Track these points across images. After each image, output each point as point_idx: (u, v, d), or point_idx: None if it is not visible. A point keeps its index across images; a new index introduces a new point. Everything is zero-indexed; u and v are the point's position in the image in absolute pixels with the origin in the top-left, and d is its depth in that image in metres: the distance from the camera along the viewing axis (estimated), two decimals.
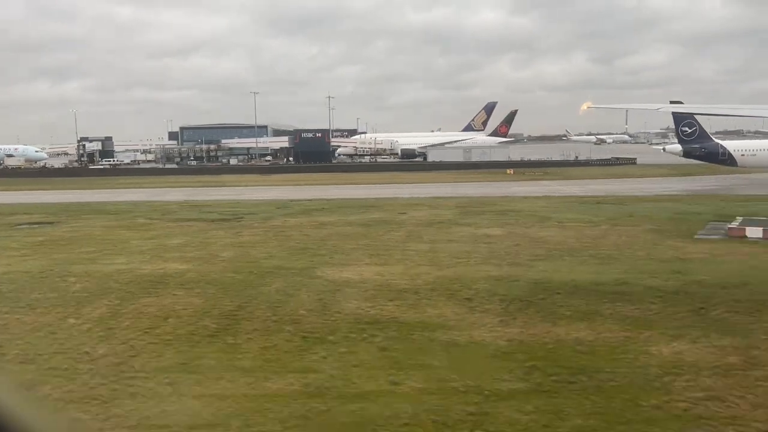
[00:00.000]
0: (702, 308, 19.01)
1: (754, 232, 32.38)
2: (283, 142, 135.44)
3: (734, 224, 34.07)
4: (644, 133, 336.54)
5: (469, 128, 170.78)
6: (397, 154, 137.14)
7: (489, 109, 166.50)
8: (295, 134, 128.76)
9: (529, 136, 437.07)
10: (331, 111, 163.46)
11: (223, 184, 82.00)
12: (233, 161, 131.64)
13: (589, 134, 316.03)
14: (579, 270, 25.01)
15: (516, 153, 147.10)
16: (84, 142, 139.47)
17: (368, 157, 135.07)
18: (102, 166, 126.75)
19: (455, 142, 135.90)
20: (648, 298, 20.37)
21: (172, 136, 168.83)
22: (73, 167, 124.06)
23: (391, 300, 20.52)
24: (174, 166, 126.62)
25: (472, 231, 35.88)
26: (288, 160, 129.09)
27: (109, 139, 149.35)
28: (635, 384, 13.58)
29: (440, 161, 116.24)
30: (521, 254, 28.61)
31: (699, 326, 17.27)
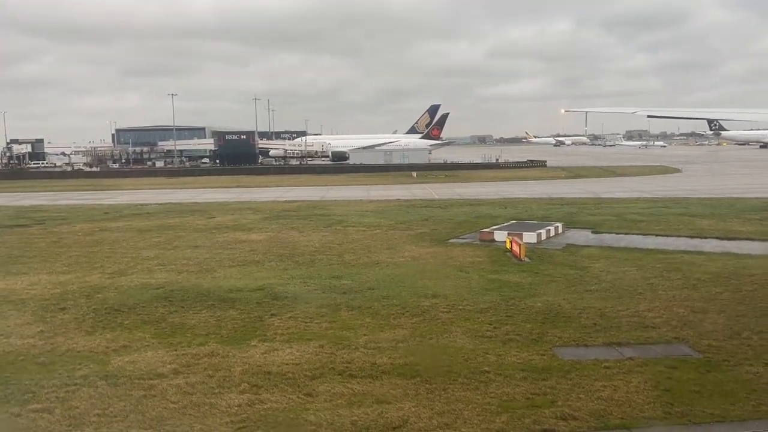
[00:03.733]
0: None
1: (501, 236, 32.10)
2: (209, 144, 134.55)
3: (487, 229, 33.75)
4: (612, 134, 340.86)
5: (413, 130, 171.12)
6: (328, 156, 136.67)
7: (432, 111, 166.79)
8: (219, 136, 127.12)
9: (501, 138, 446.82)
10: (271, 113, 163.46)
11: (112, 188, 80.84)
12: (159, 163, 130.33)
13: (550, 136, 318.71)
14: (248, 275, 24.54)
15: (452, 155, 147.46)
16: (12, 145, 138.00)
17: (296, 159, 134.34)
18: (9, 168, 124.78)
19: (382, 144, 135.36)
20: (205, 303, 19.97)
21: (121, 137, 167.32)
22: None
23: None
24: (97, 169, 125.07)
25: (239, 236, 35.29)
26: (216, 162, 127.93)
27: (39, 141, 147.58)
28: None
29: (360, 163, 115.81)
30: (235, 259, 28.11)
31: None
